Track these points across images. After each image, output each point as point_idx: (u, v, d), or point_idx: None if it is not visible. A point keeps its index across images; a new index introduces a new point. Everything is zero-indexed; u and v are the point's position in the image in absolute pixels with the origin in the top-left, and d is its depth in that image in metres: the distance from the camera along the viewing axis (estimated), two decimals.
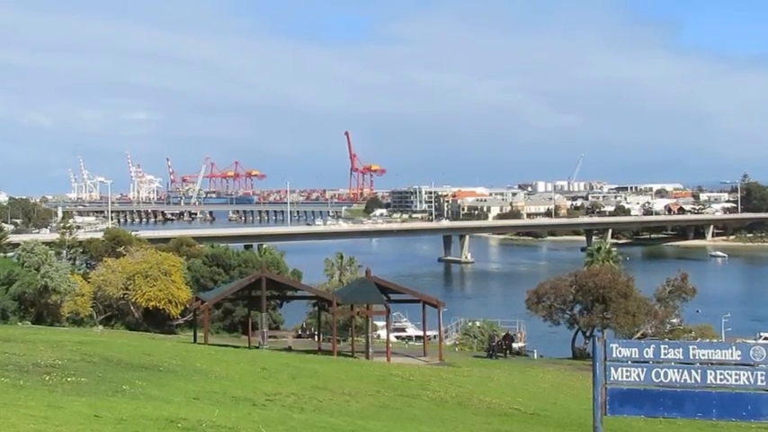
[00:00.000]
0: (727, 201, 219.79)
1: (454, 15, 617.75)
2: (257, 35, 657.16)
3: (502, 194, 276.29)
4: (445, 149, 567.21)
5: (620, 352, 10.72)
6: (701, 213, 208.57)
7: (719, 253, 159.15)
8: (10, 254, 54.35)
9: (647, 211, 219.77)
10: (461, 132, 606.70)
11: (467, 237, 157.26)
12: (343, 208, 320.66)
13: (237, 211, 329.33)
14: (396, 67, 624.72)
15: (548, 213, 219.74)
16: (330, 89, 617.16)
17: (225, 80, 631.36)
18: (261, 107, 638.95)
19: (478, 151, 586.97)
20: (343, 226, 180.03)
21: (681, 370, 10.65)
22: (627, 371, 10.67)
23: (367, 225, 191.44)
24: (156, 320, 45.37)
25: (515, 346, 44.09)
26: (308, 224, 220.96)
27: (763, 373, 10.45)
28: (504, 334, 41.70)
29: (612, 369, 10.69)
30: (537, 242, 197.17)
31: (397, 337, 53.97)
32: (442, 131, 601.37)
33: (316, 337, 43.51)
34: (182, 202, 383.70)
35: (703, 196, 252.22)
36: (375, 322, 43.48)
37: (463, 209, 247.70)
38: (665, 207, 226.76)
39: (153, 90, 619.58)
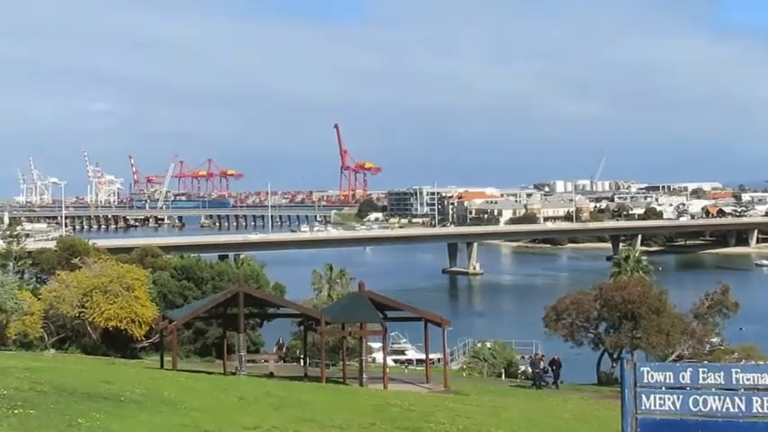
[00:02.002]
0: None
1: None
2: (236, 13, 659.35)
3: (515, 196, 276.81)
4: (450, 144, 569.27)
5: (652, 377, 10.70)
6: (743, 216, 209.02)
7: (765, 262, 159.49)
8: None
9: (682, 214, 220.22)
10: (469, 125, 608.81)
11: (475, 244, 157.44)
12: (333, 212, 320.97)
13: (211, 216, 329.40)
14: (396, 51, 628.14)
15: (568, 217, 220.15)
16: (318, 75, 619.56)
17: (197, 66, 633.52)
18: (238, 97, 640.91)
19: (488, 146, 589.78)
20: (333, 233, 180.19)
21: (722, 397, 10.63)
22: (660, 398, 10.65)
23: (360, 231, 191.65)
24: (116, 343, 45.19)
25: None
26: (293, 231, 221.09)
27: None
28: (551, 358, 41.37)
29: (644, 396, 10.67)
30: (555, 250, 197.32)
31: (396, 361, 53.89)
32: (446, 124, 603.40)
33: (301, 360, 43.49)
34: (146, 205, 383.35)
35: (746, 197, 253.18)
36: (370, 344, 43.42)
37: (471, 212, 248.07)
38: (703, 209, 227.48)
39: (114, 77, 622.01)
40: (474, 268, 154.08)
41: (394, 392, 29.36)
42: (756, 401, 10.54)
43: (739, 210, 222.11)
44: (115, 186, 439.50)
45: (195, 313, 37.77)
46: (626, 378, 10.75)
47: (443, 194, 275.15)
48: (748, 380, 10.72)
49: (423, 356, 42.44)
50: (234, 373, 34.00)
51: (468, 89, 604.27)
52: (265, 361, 42.57)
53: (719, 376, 10.75)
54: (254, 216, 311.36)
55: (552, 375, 40.28)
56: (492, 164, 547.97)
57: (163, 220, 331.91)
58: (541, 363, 40.61)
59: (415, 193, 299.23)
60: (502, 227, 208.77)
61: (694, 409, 10.61)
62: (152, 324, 42.28)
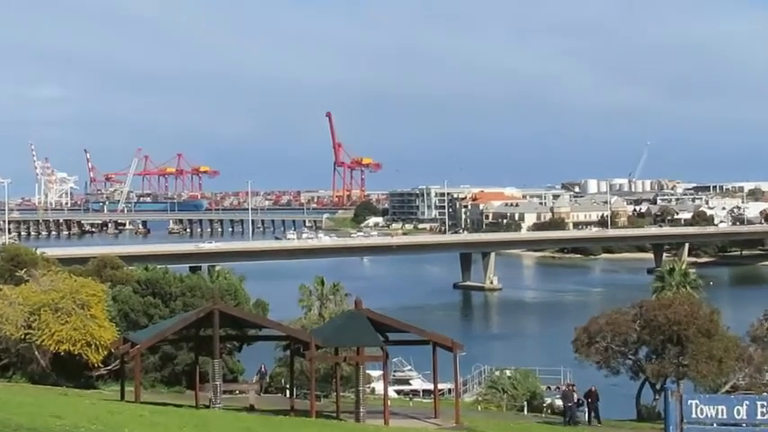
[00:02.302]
0: None
1: None
2: None
3: (539, 197, 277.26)
4: (463, 136, 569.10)
5: (701, 411, 10.70)
6: None
7: None
8: None
9: (737, 220, 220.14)
10: (486, 113, 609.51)
11: (492, 254, 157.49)
12: (324, 216, 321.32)
13: (181, 221, 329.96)
14: (400, 26, 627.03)
15: (602, 222, 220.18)
16: (308, 55, 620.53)
17: (164, 43, 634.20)
18: (212, 80, 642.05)
19: (508, 139, 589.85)
20: (325, 240, 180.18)
21: None
22: None
23: (356, 239, 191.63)
24: (69, 370, 45.17)
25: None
26: (277, 238, 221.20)
27: None
28: (588, 389, 41.27)
29: None
30: (587, 261, 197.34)
31: (399, 392, 53.87)
32: (459, 112, 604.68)
33: (287, 391, 43.46)
34: (105, 208, 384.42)
35: None
36: (368, 371, 43.34)
37: (487, 217, 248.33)
38: (762, 213, 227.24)
39: (66, 58, 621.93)
40: (491, 282, 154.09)
41: (396, 429, 29.35)
42: None
43: None
44: (68, 186, 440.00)
45: (162, 335, 37.73)
46: (671, 413, 10.74)
47: (455, 195, 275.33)
48: None
49: (430, 386, 42.39)
50: (207, 406, 34.00)
51: (485, 71, 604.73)
52: (242, 392, 42.54)
53: None
54: (231, 221, 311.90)
55: (587, 410, 40.15)
56: (512, 159, 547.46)
57: (124, 225, 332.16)
58: (574, 395, 40.49)
59: (422, 194, 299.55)
60: (524, 234, 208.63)
61: None
62: (111, 348, 42.24)
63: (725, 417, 10.93)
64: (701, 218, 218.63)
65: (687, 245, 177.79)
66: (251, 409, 35.53)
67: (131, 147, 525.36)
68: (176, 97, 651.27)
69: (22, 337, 44.08)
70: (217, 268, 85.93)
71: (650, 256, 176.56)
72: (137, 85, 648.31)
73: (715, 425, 10.92)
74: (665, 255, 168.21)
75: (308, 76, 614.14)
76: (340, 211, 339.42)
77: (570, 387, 42.43)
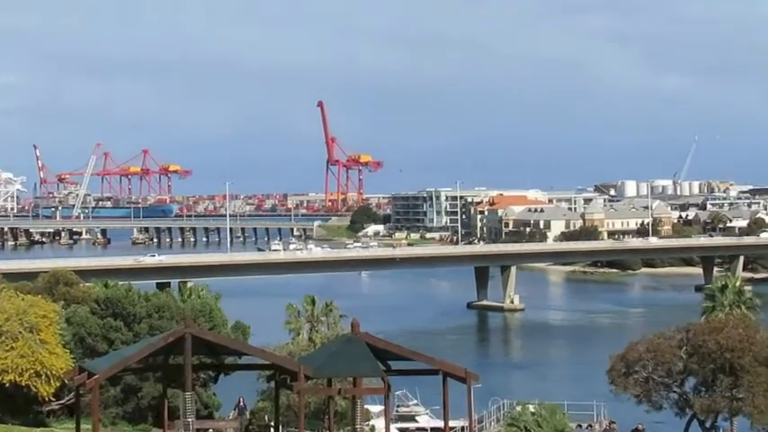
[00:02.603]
0: None
1: None
2: None
3: (568, 201, 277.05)
4: (479, 131, 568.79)
5: None
6: None
7: None
8: None
9: None
10: (505, 104, 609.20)
11: (512, 269, 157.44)
12: (316, 223, 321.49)
13: (146, 230, 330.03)
14: (405, 6, 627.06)
15: (642, 231, 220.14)
16: (296, 37, 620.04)
17: (127, 22, 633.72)
18: (184, 64, 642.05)
19: (530, 134, 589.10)
20: (316, 252, 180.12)
21: None
22: None
23: (353, 251, 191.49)
24: (15, 404, 45.20)
25: None
26: (260, 249, 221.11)
27: None
28: (634, 428, 41.34)
29: None
30: (625, 277, 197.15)
31: (403, 430, 53.80)
32: (473, 103, 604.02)
33: (271, 429, 43.44)
34: (57, 214, 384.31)
35: None
36: (367, 406, 43.36)
37: (507, 224, 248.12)
38: None
39: (14, 38, 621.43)
40: (511, 302, 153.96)
41: None
42: None
43: None
44: (14, 188, 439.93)
45: (125, 364, 37.75)
46: None
47: (469, 200, 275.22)
48: None
49: (440, 424, 42.39)
50: None
51: (504, 55, 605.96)
52: (218, 430, 42.56)
53: None
54: (206, 229, 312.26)
55: None
56: (536, 158, 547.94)
57: (80, 234, 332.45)
58: None
59: (430, 198, 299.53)
60: (550, 245, 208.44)
61: None
62: (65, 378, 42.30)
63: None
64: (758, 226, 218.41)
65: (742, 257, 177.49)
66: None
67: (89, 142, 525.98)
68: (142, 85, 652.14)
69: None
70: (189, 285, 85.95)
71: (699, 270, 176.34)
72: (97, 68, 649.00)
73: None
74: (716, 269, 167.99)
75: (298, 61, 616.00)
76: (334, 218, 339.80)
77: (611, 425, 42.52)
